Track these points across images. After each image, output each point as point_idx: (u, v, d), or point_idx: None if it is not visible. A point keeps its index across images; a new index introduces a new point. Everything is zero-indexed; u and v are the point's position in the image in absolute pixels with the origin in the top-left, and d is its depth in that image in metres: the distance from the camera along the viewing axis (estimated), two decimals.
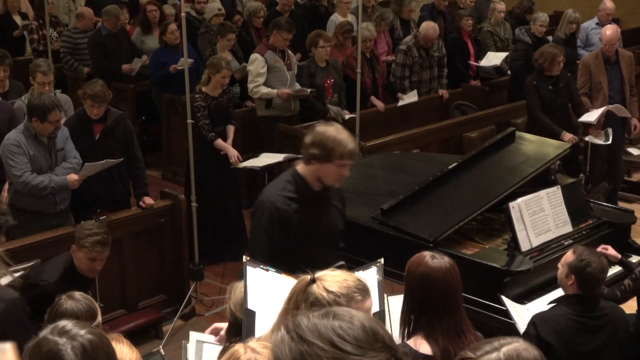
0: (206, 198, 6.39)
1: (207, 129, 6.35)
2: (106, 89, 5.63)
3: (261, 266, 2.93)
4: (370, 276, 3.03)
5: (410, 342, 2.96)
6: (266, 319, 2.80)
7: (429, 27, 8.42)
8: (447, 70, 8.79)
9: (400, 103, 8.25)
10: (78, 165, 5.35)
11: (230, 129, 6.63)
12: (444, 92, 8.58)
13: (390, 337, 1.63)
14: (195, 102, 6.38)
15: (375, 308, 2.94)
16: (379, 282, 3.04)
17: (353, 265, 4.34)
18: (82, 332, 2.07)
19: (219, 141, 6.39)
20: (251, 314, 2.78)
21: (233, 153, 6.39)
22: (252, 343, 2.21)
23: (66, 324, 2.09)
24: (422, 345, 2.93)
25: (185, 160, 6.31)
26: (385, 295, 3.37)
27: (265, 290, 2.89)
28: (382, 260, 3.13)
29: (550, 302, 3.93)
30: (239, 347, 2.18)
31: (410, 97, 8.23)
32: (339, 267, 3.02)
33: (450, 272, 2.98)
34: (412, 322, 3.00)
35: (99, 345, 2.07)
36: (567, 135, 6.92)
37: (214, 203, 6.51)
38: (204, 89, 6.42)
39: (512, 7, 10.76)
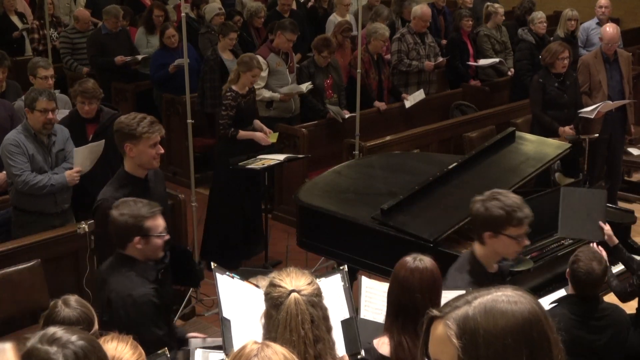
0: (230, 198, 6.44)
1: (226, 127, 6.27)
2: (97, 87, 5.62)
3: (227, 273, 2.94)
4: (335, 283, 3.02)
5: (375, 341, 2.96)
6: (241, 326, 2.80)
7: (421, 7, 8.53)
8: (447, 70, 8.78)
9: (408, 104, 8.20)
10: None
11: (257, 122, 6.62)
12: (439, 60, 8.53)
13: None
14: (225, 99, 6.30)
15: (344, 315, 2.93)
16: (345, 289, 3.02)
17: (352, 266, 4.36)
18: (73, 338, 2.03)
19: (242, 132, 6.30)
20: (227, 323, 2.78)
21: (260, 135, 6.33)
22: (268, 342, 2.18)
23: (55, 331, 2.05)
24: (383, 346, 2.92)
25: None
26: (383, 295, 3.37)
27: (235, 297, 2.89)
28: (345, 266, 3.12)
29: (552, 302, 3.94)
30: (248, 343, 2.13)
31: (417, 97, 8.21)
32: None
33: (425, 274, 2.95)
34: (391, 323, 2.98)
35: (91, 351, 2.03)
36: (564, 130, 6.95)
37: (237, 203, 6.52)
38: (233, 87, 6.31)
39: (513, 7, 10.77)
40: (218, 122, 6.40)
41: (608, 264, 3.95)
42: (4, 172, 5.39)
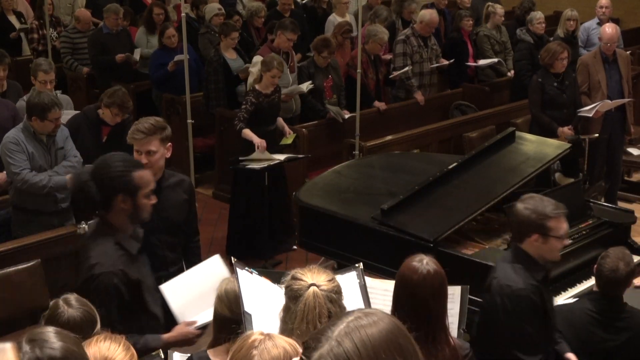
0: (255, 193, 6.52)
1: (240, 119, 6.38)
2: (128, 97, 5.78)
3: (246, 268, 2.95)
4: (351, 280, 3.03)
5: None
6: (260, 321, 2.80)
7: (430, 12, 8.48)
8: (446, 70, 8.78)
9: (392, 75, 8.24)
10: (78, 163, 5.35)
11: (280, 119, 6.79)
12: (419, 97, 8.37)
13: None
14: (247, 95, 6.49)
15: None
16: (361, 286, 3.03)
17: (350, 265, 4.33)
18: (53, 343, 2.03)
19: (247, 131, 6.36)
20: (248, 317, 2.78)
21: (258, 141, 6.32)
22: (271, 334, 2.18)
23: (43, 331, 2.04)
24: None
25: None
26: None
27: (254, 292, 2.90)
28: (361, 264, 3.12)
29: (574, 296, 3.94)
30: (254, 334, 2.14)
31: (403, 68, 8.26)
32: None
33: (426, 278, 2.94)
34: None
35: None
36: (562, 130, 6.95)
37: (262, 197, 6.55)
38: (256, 86, 6.48)
39: (513, 7, 10.77)
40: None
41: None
42: (4, 172, 5.40)
